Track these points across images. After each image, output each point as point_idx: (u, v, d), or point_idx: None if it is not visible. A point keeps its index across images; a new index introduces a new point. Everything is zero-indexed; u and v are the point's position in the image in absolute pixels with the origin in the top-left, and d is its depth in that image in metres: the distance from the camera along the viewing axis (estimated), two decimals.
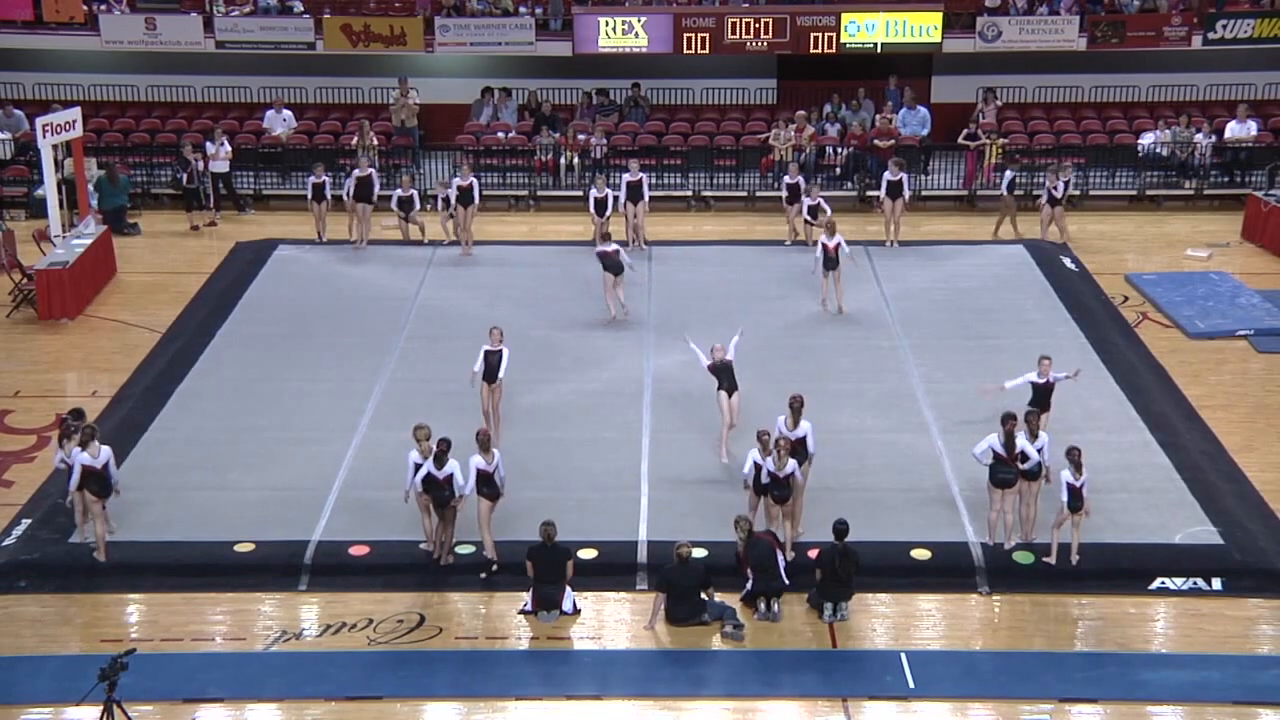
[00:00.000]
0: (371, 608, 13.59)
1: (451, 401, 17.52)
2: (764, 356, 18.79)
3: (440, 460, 13.89)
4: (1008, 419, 14.25)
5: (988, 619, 13.58)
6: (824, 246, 20.03)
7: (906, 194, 23.11)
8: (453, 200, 22.99)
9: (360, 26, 27.42)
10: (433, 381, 18.23)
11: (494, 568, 14.09)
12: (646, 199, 22.98)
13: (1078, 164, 26.00)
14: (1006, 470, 14.11)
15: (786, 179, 23.52)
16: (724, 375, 16.13)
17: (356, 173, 23.45)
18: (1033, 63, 28.20)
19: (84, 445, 14.00)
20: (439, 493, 13.92)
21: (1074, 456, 13.77)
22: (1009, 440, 14.14)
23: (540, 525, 13.43)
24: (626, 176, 22.94)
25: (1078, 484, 13.77)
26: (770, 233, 24.67)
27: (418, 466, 13.99)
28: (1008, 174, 24.23)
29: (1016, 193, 24.24)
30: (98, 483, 14.06)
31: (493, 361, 16.25)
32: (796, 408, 14.65)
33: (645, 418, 17.35)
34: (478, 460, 13.99)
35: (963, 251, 23.42)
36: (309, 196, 23.57)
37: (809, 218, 22.87)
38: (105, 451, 14.10)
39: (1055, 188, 23.24)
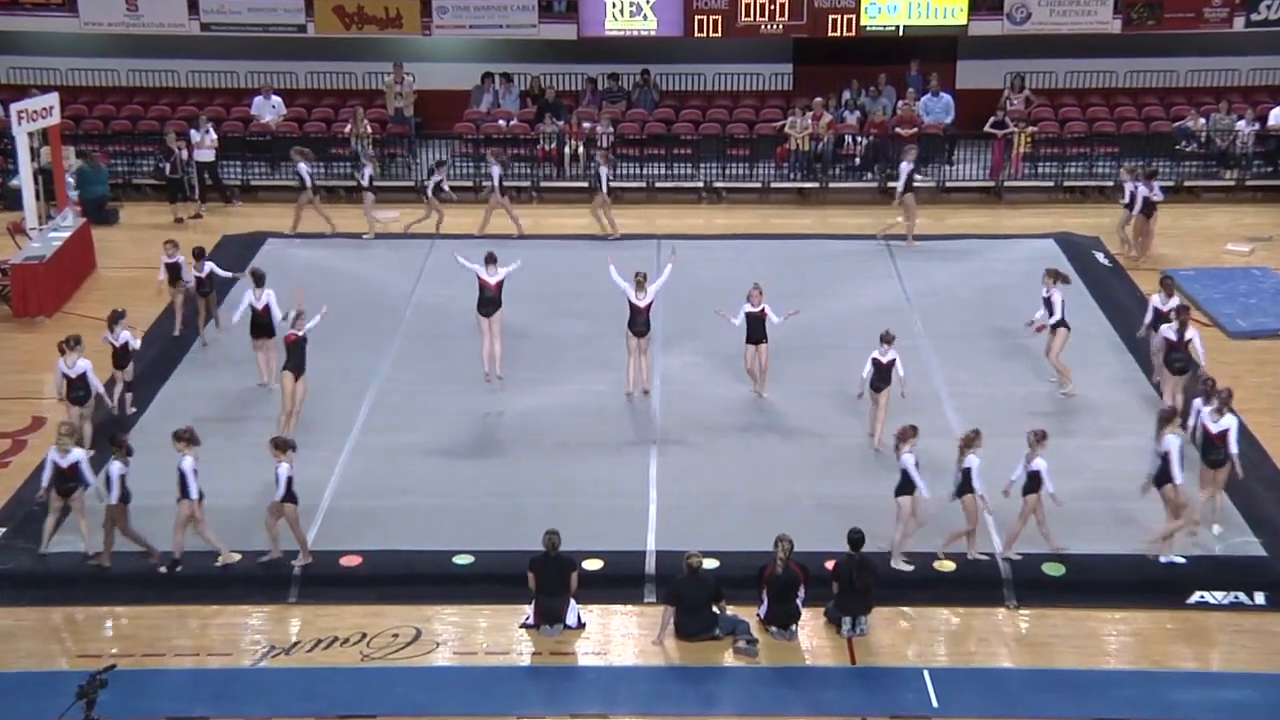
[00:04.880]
0: (365, 621, 13.62)
1: (450, 404, 17.63)
2: (781, 358, 18.80)
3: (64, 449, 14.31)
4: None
5: (1015, 634, 13.58)
6: None
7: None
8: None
9: (353, 8, 27.46)
10: (430, 383, 18.28)
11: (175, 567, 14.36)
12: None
13: (1111, 153, 26.13)
14: (1217, 451, 14.59)
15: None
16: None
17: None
18: (1064, 46, 28.17)
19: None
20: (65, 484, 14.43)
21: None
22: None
23: (543, 534, 13.45)
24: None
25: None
26: (786, 226, 24.73)
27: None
28: (1145, 188, 22.80)
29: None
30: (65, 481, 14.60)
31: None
32: None
33: (654, 420, 17.37)
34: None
35: (989, 246, 23.45)
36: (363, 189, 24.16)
37: None
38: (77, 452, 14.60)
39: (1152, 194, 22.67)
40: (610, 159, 24.61)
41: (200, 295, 19.55)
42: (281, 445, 14.36)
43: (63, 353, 16.25)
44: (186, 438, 14.33)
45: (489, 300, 18.05)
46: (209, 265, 19.55)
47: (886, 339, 16.56)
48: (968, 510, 14.20)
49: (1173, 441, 14.15)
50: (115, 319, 17.32)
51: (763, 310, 17.64)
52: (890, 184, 26.22)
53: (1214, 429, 14.78)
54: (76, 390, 16.27)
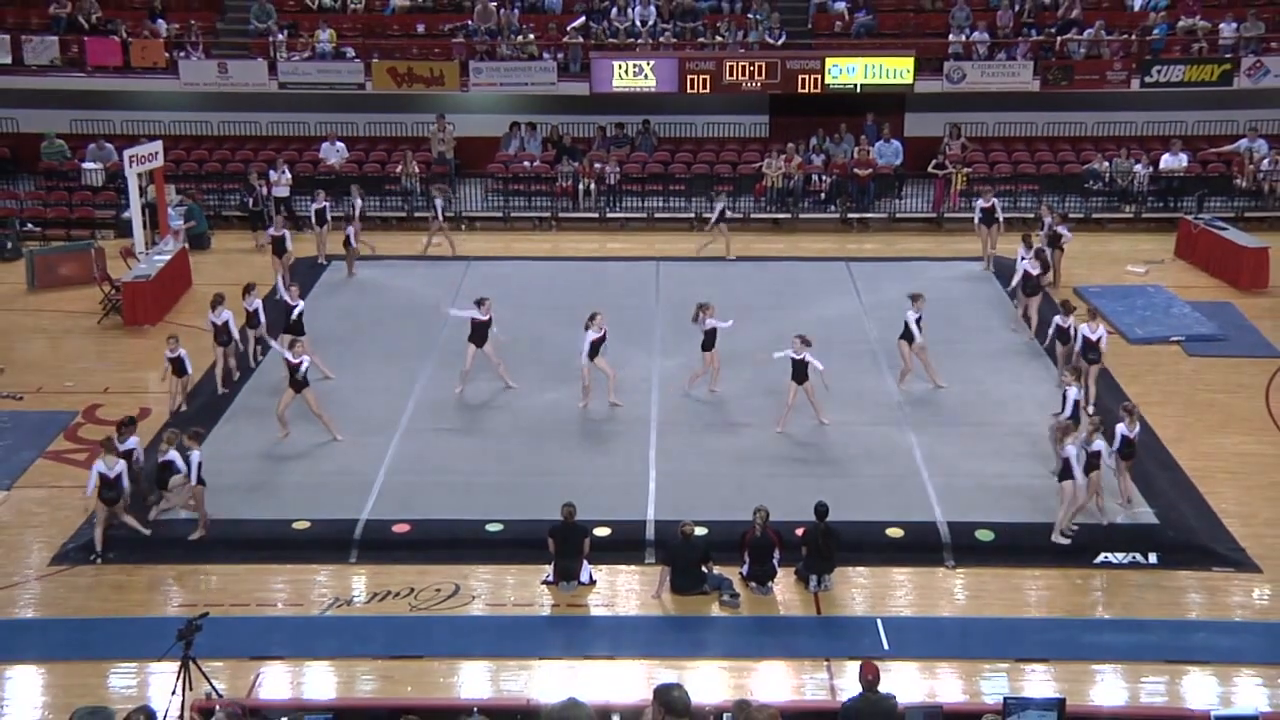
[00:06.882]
0: (413, 578, 13.60)
1: (483, 399, 17.61)
2: (759, 360, 18.75)
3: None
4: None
5: (952, 589, 13.57)
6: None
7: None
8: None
9: (404, 69, 27.43)
10: (466, 383, 18.24)
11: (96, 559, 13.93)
12: None
13: (1032, 190, 26.09)
14: (1095, 351, 15.96)
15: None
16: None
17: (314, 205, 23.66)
18: (993, 102, 28.10)
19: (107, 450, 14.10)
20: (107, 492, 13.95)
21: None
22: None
23: (561, 506, 13.46)
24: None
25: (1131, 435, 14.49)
26: (764, 250, 24.69)
27: None
28: (1064, 228, 21.89)
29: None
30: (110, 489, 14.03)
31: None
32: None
33: (653, 413, 17.35)
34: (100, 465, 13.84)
35: (931, 267, 23.33)
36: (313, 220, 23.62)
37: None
38: (120, 464, 14.03)
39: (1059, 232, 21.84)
40: (445, 191, 24.75)
41: (219, 344, 17.79)
42: (195, 436, 14.37)
43: (213, 308, 17.47)
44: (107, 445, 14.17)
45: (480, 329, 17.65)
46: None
47: (805, 341, 16.35)
48: (1093, 484, 14.11)
49: (1071, 450, 13.98)
50: (287, 286, 18.53)
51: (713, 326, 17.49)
52: (850, 215, 26.25)
53: (1092, 336, 16.72)
54: (221, 336, 17.38)
